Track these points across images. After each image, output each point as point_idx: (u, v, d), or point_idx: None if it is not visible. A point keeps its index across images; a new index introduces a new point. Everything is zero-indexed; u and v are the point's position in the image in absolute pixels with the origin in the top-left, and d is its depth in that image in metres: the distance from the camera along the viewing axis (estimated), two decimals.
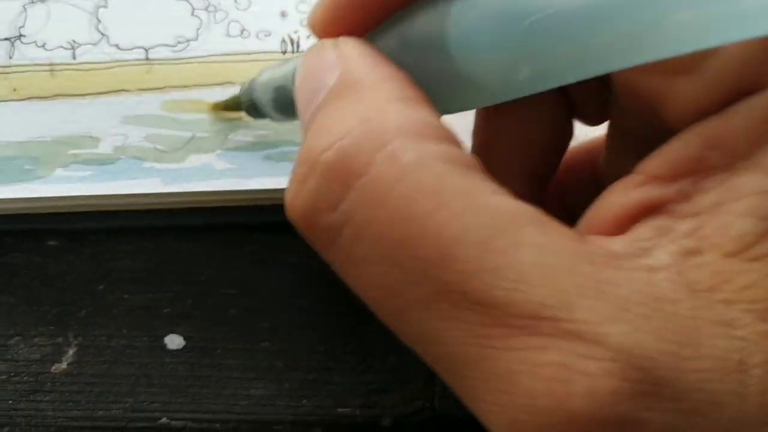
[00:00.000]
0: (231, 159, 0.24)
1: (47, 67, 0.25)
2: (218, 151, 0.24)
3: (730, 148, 0.13)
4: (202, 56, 0.25)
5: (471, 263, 0.13)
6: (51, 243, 0.23)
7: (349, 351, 0.23)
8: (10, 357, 0.23)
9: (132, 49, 0.25)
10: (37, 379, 0.22)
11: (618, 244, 0.13)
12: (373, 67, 0.15)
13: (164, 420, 0.22)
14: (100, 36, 0.25)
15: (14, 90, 0.24)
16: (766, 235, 0.13)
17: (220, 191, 0.24)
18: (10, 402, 0.22)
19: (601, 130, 0.20)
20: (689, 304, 0.12)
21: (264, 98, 0.21)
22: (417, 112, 0.14)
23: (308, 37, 0.26)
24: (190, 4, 0.26)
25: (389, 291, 0.13)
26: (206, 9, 0.26)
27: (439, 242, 0.13)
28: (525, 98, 0.15)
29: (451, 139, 0.14)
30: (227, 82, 0.25)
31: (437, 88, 0.15)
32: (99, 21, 0.25)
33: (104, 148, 0.24)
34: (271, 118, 0.22)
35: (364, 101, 0.15)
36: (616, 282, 0.12)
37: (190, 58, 0.25)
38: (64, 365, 0.23)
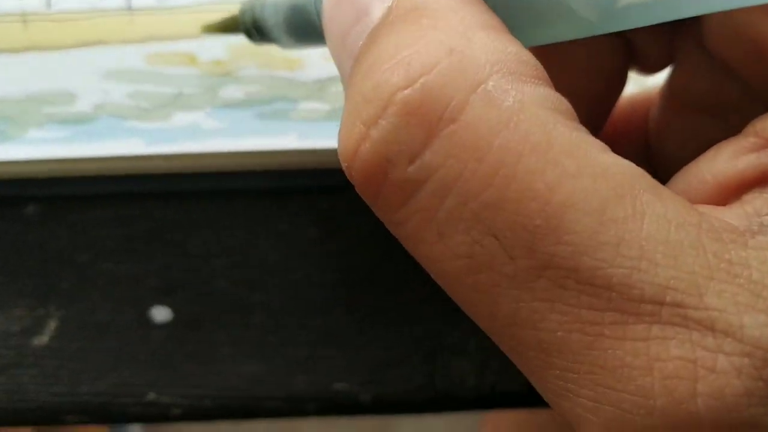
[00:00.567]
0: (221, 117, 0.22)
1: (19, 18, 0.23)
2: (207, 109, 0.22)
3: None
4: (190, 5, 0.23)
5: (584, 235, 0.11)
6: (29, 211, 0.22)
7: (344, 325, 0.22)
8: None
9: None
10: (18, 353, 0.21)
11: (732, 217, 0.12)
12: None
13: (152, 396, 0.21)
14: None
15: None
16: None
17: (209, 153, 0.22)
18: None
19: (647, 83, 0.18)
20: None
21: (273, 19, 0.18)
22: (508, 45, 0.12)
23: None
24: None
25: (476, 263, 0.11)
26: None
27: (548, 207, 0.11)
28: (582, 41, 0.13)
29: (547, 80, 0.12)
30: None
31: (515, 14, 0.13)
32: None
33: (82, 106, 0.22)
34: (278, 42, 0.19)
35: (441, 27, 0.12)
36: (747, 263, 0.11)
37: (176, 7, 0.23)
38: (45, 339, 0.21)
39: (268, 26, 0.19)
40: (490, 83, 0.11)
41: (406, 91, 0.11)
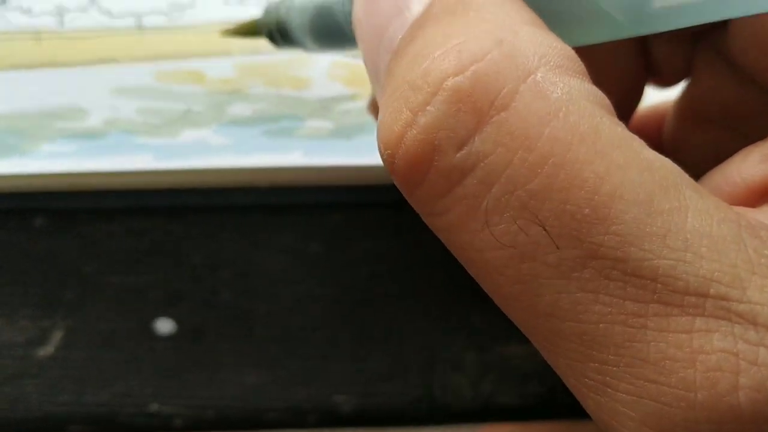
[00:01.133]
0: (228, 134, 0.23)
1: (32, 35, 0.23)
2: (214, 126, 0.23)
3: None
4: (198, 24, 0.24)
5: (632, 225, 0.11)
6: (37, 222, 0.23)
7: (345, 338, 0.22)
8: None
9: (123, 16, 0.24)
10: (23, 363, 0.22)
11: (764, 218, 0.12)
12: None
13: (155, 406, 0.22)
14: (90, 2, 0.24)
15: None
16: None
17: (216, 169, 0.22)
18: None
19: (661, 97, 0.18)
20: None
21: (298, 20, 0.18)
22: (552, 40, 0.12)
23: None
24: None
25: (519, 253, 0.11)
26: None
27: (596, 197, 0.11)
28: (600, 51, 0.13)
29: (588, 77, 0.12)
30: (225, 52, 0.24)
31: (550, 15, 0.13)
32: None
33: (93, 122, 0.23)
34: (303, 46, 0.19)
35: (489, 20, 0.12)
36: None
37: (185, 26, 0.24)
38: (51, 349, 0.22)
39: (292, 28, 0.19)
40: (539, 74, 0.11)
41: (457, 78, 0.11)
